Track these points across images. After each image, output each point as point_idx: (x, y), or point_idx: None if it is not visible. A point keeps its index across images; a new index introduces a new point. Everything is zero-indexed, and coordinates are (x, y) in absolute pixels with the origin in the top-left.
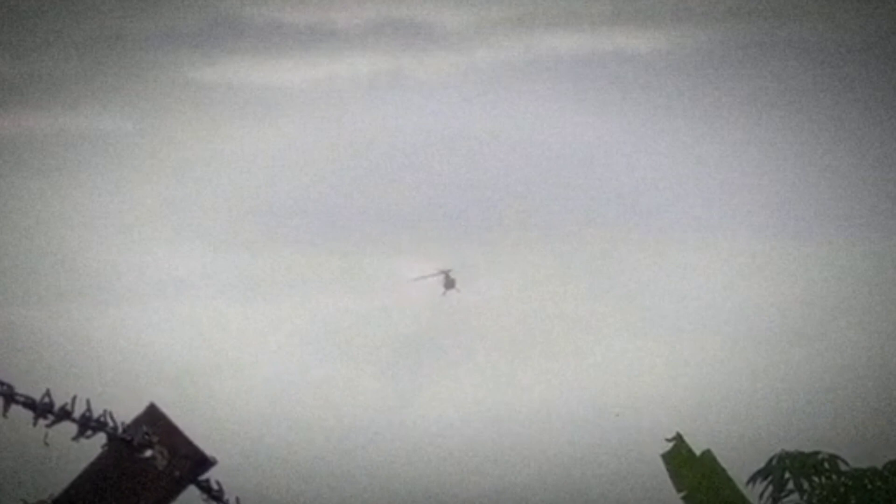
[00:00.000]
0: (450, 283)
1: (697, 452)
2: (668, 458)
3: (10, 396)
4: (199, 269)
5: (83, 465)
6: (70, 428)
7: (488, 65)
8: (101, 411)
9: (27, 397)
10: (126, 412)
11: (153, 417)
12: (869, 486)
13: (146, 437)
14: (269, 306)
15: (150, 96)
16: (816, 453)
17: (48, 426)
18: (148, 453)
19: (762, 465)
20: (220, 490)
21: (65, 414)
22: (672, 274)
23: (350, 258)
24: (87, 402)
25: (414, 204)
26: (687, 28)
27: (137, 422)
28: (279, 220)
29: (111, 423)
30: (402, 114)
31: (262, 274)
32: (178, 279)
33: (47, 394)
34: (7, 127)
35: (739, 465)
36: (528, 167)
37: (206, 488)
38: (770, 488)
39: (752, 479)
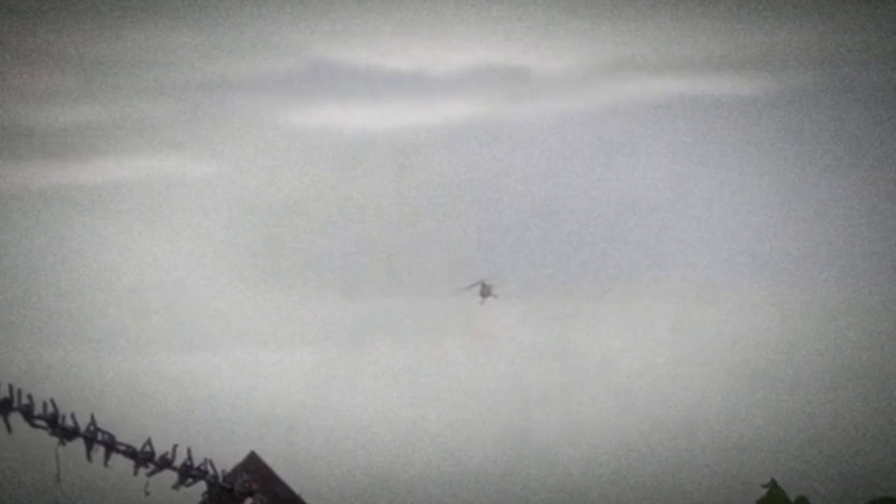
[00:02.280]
0: (486, 291)
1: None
2: None
3: (112, 446)
4: (293, 315)
5: None
6: (171, 476)
7: (585, 111)
8: (201, 459)
9: (128, 446)
10: (226, 461)
11: (254, 465)
12: None
13: (246, 485)
14: (364, 352)
15: (243, 141)
16: None
17: (149, 475)
18: (248, 502)
19: None
20: None
21: (165, 463)
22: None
23: (443, 302)
24: (188, 450)
25: (509, 250)
26: (793, 71)
27: (238, 470)
28: (371, 264)
29: (212, 472)
30: (498, 160)
31: (357, 319)
32: (271, 325)
33: (148, 442)
34: (99, 173)
35: None
36: (626, 214)
37: None
38: None
39: None
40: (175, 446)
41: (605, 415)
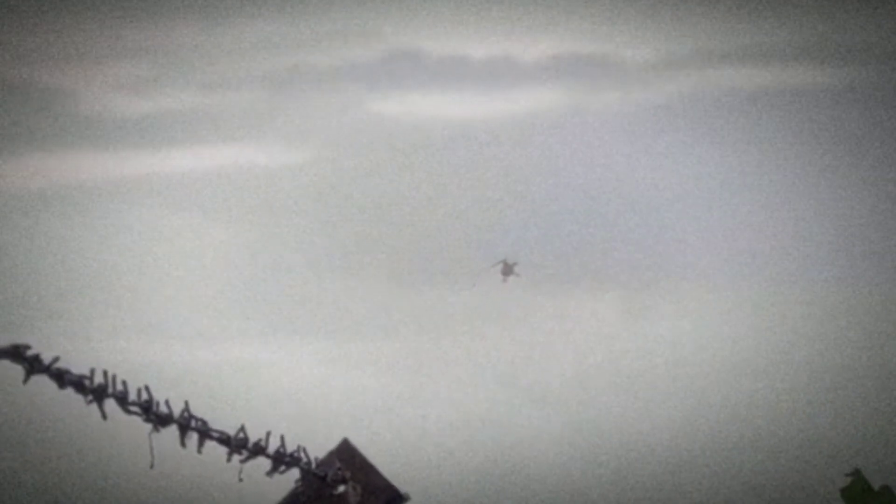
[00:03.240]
0: (508, 270)
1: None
2: (846, 493)
3: (206, 433)
4: (376, 305)
5: (275, 500)
6: (264, 463)
7: (670, 100)
8: (294, 447)
9: (222, 433)
10: (319, 448)
11: (346, 453)
12: None
13: (339, 472)
14: (449, 342)
15: (325, 130)
16: None
17: (242, 462)
18: (341, 489)
19: None
20: None
21: (259, 449)
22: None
23: (525, 293)
24: (282, 437)
25: (592, 239)
26: (878, 63)
27: (330, 457)
28: (452, 254)
29: (305, 459)
30: (581, 149)
31: (440, 309)
32: (353, 316)
33: (242, 429)
34: (181, 162)
35: None
36: (709, 206)
37: None
38: None
39: None
40: (268, 433)
41: (680, 403)
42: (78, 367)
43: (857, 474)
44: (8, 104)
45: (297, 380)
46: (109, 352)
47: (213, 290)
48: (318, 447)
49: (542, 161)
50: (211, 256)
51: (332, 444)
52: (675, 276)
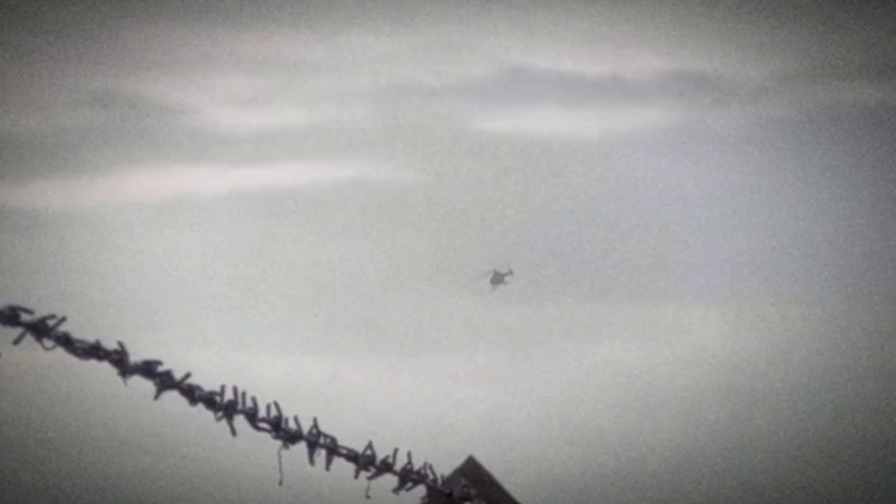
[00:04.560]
0: (497, 279)
1: None
2: None
3: (334, 449)
4: (480, 319)
5: None
6: (390, 480)
7: (781, 117)
8: (421, 463)
9: (349, 450)
10: (445, 465)
11: (472, 470)
12: None
13: (465, 489)
14: (544, 356)
15: (438, 146)
16: None
17: (370, 479)
18: None
19: None
20: None
21: (386, 466)
22: None
23: (627, 307)
24: (408, 454)
25: (700, 254)
26: None
27: (456, 474)
28: (561, 270)
29: (431, 476)
30: (691, 166)
31: (538, 325)
32: (456, 330)
33: (369, 446)
34: (295, 177)
35: None
36: (821, 223)
37: None
38: None
39: None
40: (395, 450)
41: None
42: (179, 375)
43: None
44: (125, 120)
45: (413, 396)
46: (209, 363)
47: (319, 305)
48: (443, 464)
49: (651, 178)
50: (319, 272)
51: (457, 461)
52: (786, 292)
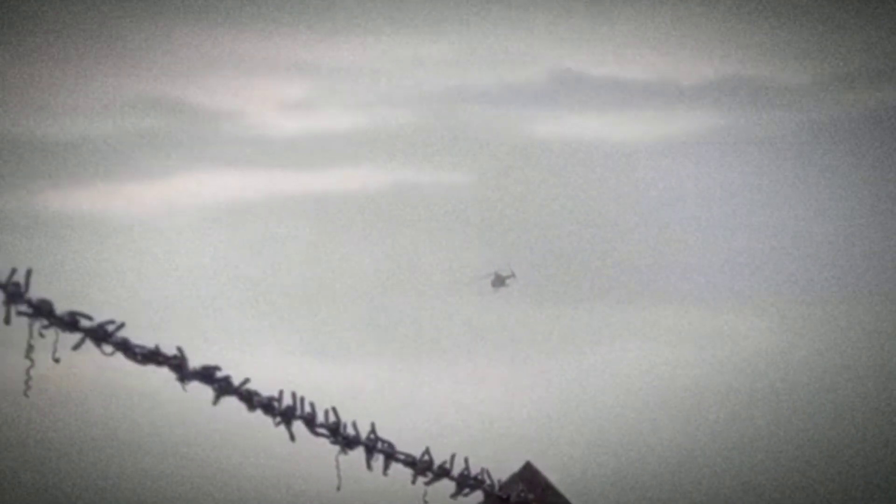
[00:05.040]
0: (498, 282)
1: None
2: None
3: (391, 455)
4: (528, 324)
5: None
6: (448, 486)
7: (831, 120)
8: (478, 469)
9: (407, 455)
10: (502, 470)
11: (529, 475)
12: None
13: (522, 494)
14: (600, 359)
15: (488, 151)
16: None
17: (427, 484)
18: None
19: None
20: None
21: (443, 472)
22: None
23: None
24: (465, 460)
25: (750, 257)
26: None
27: (513, 480)
28: (611, 272)
29: (488, 481)
30: (739, 170)
31: (590, 327)
32: (503, 334)
33: (427, 452)
34: (345, 181)
35: None
36: (873, 225)
37: None
38: None
39: None
40: (453, 456)
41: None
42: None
43: None
44: (174, 125)
45: (467, 400)
46: (256, 366)
47: (369, 309)
48: (500, 469)
49: (701, 181)
50: (368, 275)
51: (514, 466)
52: (846, 294)
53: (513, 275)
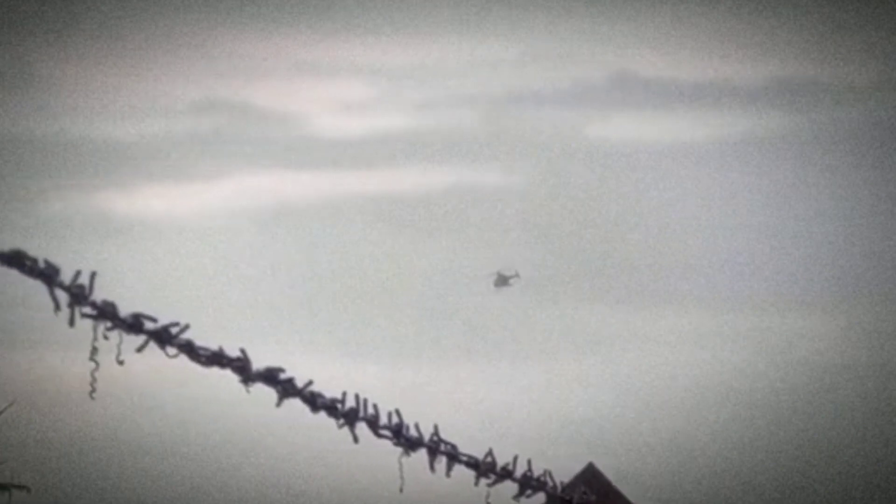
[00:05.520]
0: (501, 282)
1: None
2: None
3: (454, 456)
4: (582, 324)
5: None
6: (511, 487)
7: (886, 121)
8: (540, 471)
9: (470, 456)
10: (565, 472)
11: (592, 477)
12: None
13: (584, 496)
14: (662, 361)
15: (545, 152)
16: None
17: (490, 485)
18: None
19: None
20: None
21: (507, 473)
22: None
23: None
24: (528, 461)
25: (813, 259)
26: None
27: (576, 481)
28: (670, 274)
29: (551, 483)
30: (799, 170)
31: (646, 328)
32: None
33: (490, 453)
34: (401, 182)
35: None
36: None
37: None
38: None
39: None
40: (515, 457)
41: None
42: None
43: None
44: (234, 127)
45: (529, 402)
46: (313, 367)
47: (427, 310)
48: (562, 471)
49: (760, 183)
50: (426, 276)
51: (577, 467)
52: None
53: (517, 274)
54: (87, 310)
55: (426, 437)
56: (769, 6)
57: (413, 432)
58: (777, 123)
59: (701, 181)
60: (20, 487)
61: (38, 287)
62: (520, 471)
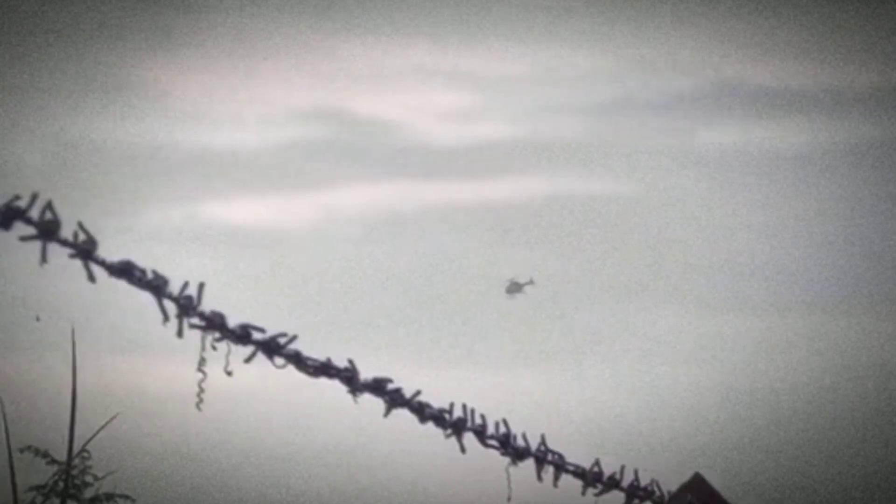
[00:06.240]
0: (514, 289)
1: None
2: None
3: (561, 466)
4: (683, 332)
5: None
6: (618, 497)
7: None
8: (647, 480)
9: (577, 466)
10: (672, 481)
11: (698, 487)
12: None
13: None
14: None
15: (653, 160)
16: None
17: (597, 495)
18: None
19: None
20: None
21: (614, 483)
22: None
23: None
24: (635, 471)
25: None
26: None
27: (682, 491)
28: (774, 281)
29: (658, 492)
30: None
31: (759, 336)
32: (658, 342)
33: (597, 463)
34: (505, 190)
35: None
36: None
37: None
38: None
39: None
40: (622, 467)
41: None
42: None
43: None
44: (340, 136)
45: (632, 409)
46: (419, 376)
47: (525, 318)
48: (667, 480)
49: (870, 189)
50: (537, 285)
51: (682, 477)
52: None
53: (531, 281)
54: (196, 321)
55: (533, 447)
56: (886, 11)
57: (520, 442)
58: (890, 130)
59: (815, 188)
60: (126, 498)
61: (146, 297)
62: (626, 480)
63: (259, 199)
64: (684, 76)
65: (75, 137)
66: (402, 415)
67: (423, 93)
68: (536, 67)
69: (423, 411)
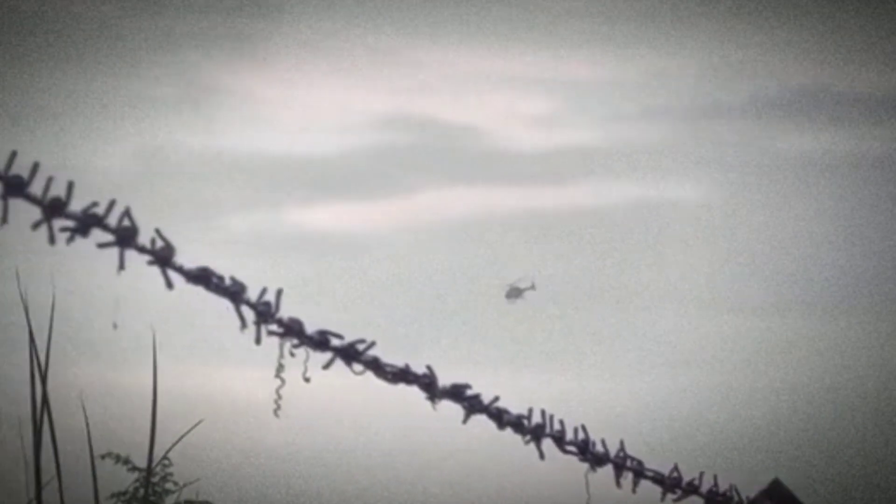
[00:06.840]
0: (514, 294)
1: None
2: None
3: (640, 472)
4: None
5: None
6: (696, 503)
7: None
8: (726, 485)
9: (656, 472)
10: (750, 487)
11: (777, 493)
12: None
13: None
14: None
15: (735, 166)
16: None
17: (675, 501)
18: None
19: None
20: None
21: (692, 489)
22: None
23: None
24: (714, 477)
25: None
26: None
27: (761, 497)
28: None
29: (737, 499)
30: None
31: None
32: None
33: (675, 469)
34: (589, 196)
35: None
36: None
37: None
38: None
39: None
40: (701, 473)
41: None
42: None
43: None
44: (418, 141)
45: (708, 414)
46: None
47: (603, 326)
48: (745, 486)
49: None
50: (604, 292)
51: (760, 483)
52: None
53: (532, 286)
54: (274, 327)
55: (612, 453)
56: None
57: (599, 448)
58: None
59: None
60: None
61: (225, 304)
62: (705, 486)
63: (340, 205)
64: (766, 80)
65: (157, 145)
66: (480, 420)
67: (504, 98)
68: (617, 73)
69: (501, 417)
